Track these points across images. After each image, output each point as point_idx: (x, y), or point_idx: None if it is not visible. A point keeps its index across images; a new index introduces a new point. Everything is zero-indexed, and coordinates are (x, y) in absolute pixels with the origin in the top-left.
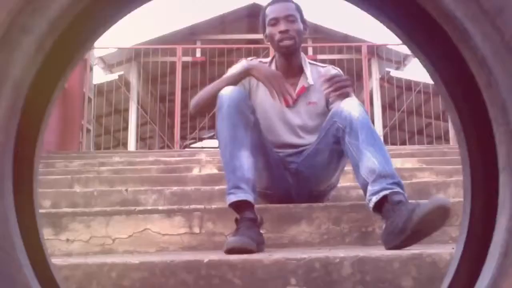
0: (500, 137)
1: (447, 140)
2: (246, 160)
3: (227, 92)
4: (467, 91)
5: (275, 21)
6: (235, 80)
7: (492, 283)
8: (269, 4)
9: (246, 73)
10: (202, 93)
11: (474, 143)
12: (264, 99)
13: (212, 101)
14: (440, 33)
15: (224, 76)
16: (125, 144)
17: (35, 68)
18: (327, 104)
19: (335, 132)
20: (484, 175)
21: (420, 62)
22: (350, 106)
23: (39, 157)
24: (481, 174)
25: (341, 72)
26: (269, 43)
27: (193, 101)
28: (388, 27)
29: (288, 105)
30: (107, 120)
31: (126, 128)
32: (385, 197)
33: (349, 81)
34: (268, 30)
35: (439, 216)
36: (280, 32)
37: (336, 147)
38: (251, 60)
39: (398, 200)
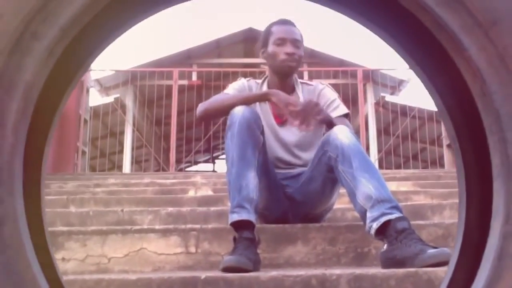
0: (494, 146)
1: (442, 165)
2: (252, 181)
3: (239, 111)
4: (461, 101)
5: (282, 42)
6: (250, 102)
7: (487, 286)
8: (275, 23)
9: (264, 97)
10: (214, 102)
11: (468, 151)
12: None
13: (221, 113)
14: (435, 44)
15: (240, 94)
16: (120, 167)
17: (45, 73)
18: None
19: (327, 161)
20: (479, 182)
21: (415, 72)
22: (340, 134)
23: (46, 162)
24: (475, 182)
25: (329, 86)
26: (265, 59)
27: (202, 107)
28: (382, 37)
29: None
30: (102, 142)
31: (121, 151)
32: (387, 222)
33: (316, 107)
34: (272, 48)
35: (440, 265)
36: (286, 53)
37: (329, 175)
38: (248, 80)
39: (402, 228)
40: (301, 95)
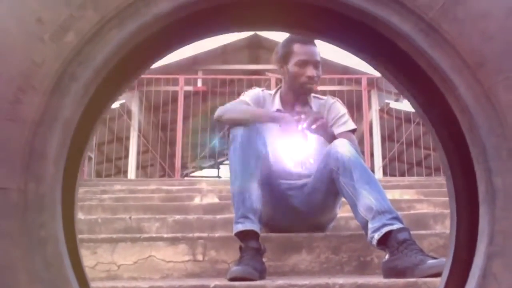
0: (480, 174)
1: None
2: (255, 192)
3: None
4: (453, 132)
5: (304, 64)
6: (262, 122)
7: None
8: (297, 41)
9: (275, 121)
10: (231, 111)
11: (459, 178)
12: (271, 129)
13: (235, 123)
14: (429, 82)
15: (255, 111)
16: (125, 172)
17: (81, 109)
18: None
19: (329, 174)
20: (467, 206)
21: (412, 106)
22: (341, 147)
23: (78, 187)
24: (464, 206)
25: (340, 101)
26: (282, 75)
27: (220, 112)
28: (383, 75)
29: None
30: (108, 148)
31: (126, 156)
32: (388, 233)
33: (318, 119)
34: (293, 68)
35: (439, 275)
36: (308, 77)
37: (331, 186)
38: (262, 90)
39: (403, 239)
40: (315, 109)
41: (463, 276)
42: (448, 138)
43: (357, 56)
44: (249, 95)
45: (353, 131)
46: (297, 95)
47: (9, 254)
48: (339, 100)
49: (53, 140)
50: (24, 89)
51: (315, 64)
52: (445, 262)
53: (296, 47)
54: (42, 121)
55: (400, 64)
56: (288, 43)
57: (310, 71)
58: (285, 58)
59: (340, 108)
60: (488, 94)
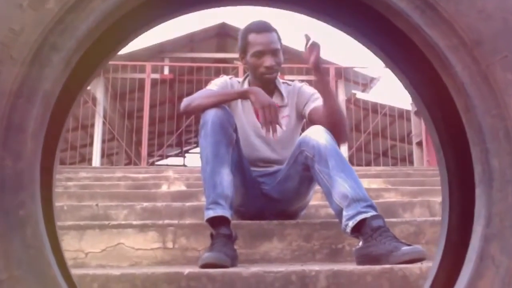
0: (476, 155)
1: (411, 162)
2: (226, 177)
3: (212, 109)
4: (447, 113)
5: (261, 54)
6: (231, 99)
7: (470, 284)
8: (252, 31)
9: (244, 95)
10: (197, 98)
11: (451, 160)
12: (241, 114)
13: (204, 109)
14: (423, 61)
15: (222, 91)
16: (90, 160)
17: (62, 81)
18: (299, 116)
19: (303, 161)
20: (460, 188)
21: (404, 86)
22: (317, 134)
23: (57, 166)
24: (457, 188)
25: (307, 84)
26: (244, 65)
27: (186, 102)
28: (376, 54)
29: (274, 138)
30: (72, 135)
31: (91, 144)
32: (363, 221)
33: (272, 112)
34: (252, 60)
35: (414, 262)
36: (266, 67)
37: (305, 173)
38: (230, 78)
39: (378, 226)
40: (285, 94)
41: (456, 259)
42: (441, 119)
43: (348, 33)
44: (216, 84)
45: None
46: (263, 83)
47: None
48: (306, 84)
49: (32, 113)
50: (1, 59)
51: (273, 52)
52: (420, 249)
53: (251, 37)
54: (21, 92)
55: (394, 42)
56: (243, 34)
57: (268, 61)
58: (243, 49)
59: (309, 88)
60: (485, 73)
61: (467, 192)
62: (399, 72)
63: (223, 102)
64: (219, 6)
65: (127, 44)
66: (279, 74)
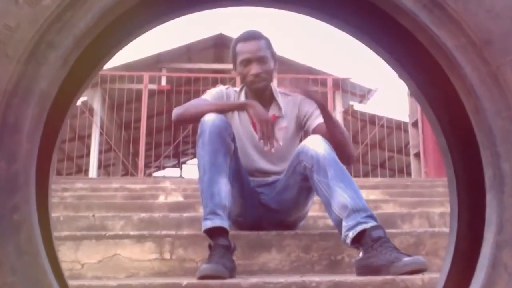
0: (486, 159)
1: (408, 174)
2: (224, 187)
3: (210, 119)
4: (454, 116)
5: (248, 62)
6: (227, 111)
7: None
8: (239, 40)
9: (241, 108)
10: (190, 108)
11: (459, 164)
12: (238, 125)
13: (196, 119)
14: (431, 62)
15: (217, 102)
16: (86, 171)
17: (59, 81)
18: (298, 128)
19: (302, 171)
20: (469, 194)
21: (409, 88)
22: (315, 144)
23: (54, 168)
24: (466, 194)
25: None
26: (239, 75)
27: (178, 111)
28: (380, 55)
29: (269, 152)
30: (69, 145)
31: (88, 155)
32: (363, 232)
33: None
34: (240, 69)
35: (414, 273)
36: (253, 75)
37: (304, 183)
38: (226, 88)
39: (378, 237)
40: (282, 105)
41: (465, 268)
42: (448, 122)
43: (351, 33)
44: (210, 94)
45: None
46: (257, 93)
47: None
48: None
49: (27, 112)
50: None
51: (259, 59)
52: (421, 260)
53: (239, 47)
54: (16, 91)
55: (399, 42)
56: (233, 44)
57: (254, 69)
58: (233, 60)
59: (310, 103)
60: (495, 74)
61: (477, 198)
62: (405, 73)
63: (221, 112)
64: (218, 7)
65: (126, 44)
66: (275, 83)
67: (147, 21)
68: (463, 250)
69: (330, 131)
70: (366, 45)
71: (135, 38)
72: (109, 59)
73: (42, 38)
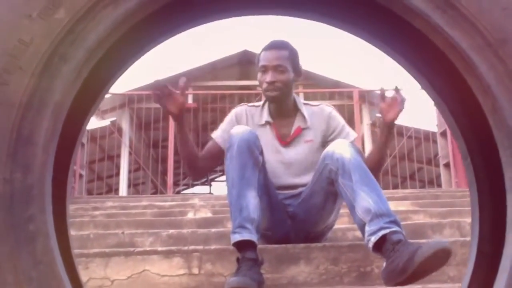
0: (506, 160)
1: (438, 185)
2: (252, 200)
3: (238, 132)
4: (472, 117)
5: (265, 69)
6: (182, 137)
7: None
8: (263, 49)
9: (176, 128)
10: (183, 161)
11: (480, 166)
12: (264, 139)
13: (189, 161)
14: (447, 64)
15: (181, 139)
16: (116, 190)
17: (73, 93)
18: (323, 143)
19: (328, 175)
20: (490, 196)
21: (425, 90)
22: (341, 148)
23: (71, 180)
24: (487, 196)
25: (335, 109)
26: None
27: (185, 168)
28: (394, 58)
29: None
30: (99, 165)
31: (117, 174)
32: (384, 237)
33: None
34: (258, 76)
35: (440, 258)
36: (267, 82)
37: (330, 188)
38: (241, 105)
39: (398, 240)
40: (307, 116)
41: (489, 270)
42: (468, 126)
43: (363, 38)
44: (220, 128)
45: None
46: (276, 104)
47: None
48: (333, 107)
49: (42, 125)
50: (10, 70)
51: (275, 68)
52: (445, 241)
53: (261, 55)
54: (30, 104)
55: (413, 44)
56: (258, 54)
57: (268, 77)
58: (257, 69)
59: (339, 118)
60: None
61: (499, 199)
62: (420, 76)
63: (183, 142)
64: (232, 16)
65: (140, 56)
66: (299, 95)
67: (160, 32)
68: (486, 252)
69: (381, 154)
70: (378, 48)
71: (150, 49)
72: (123, 71)
73: (55, 51)
